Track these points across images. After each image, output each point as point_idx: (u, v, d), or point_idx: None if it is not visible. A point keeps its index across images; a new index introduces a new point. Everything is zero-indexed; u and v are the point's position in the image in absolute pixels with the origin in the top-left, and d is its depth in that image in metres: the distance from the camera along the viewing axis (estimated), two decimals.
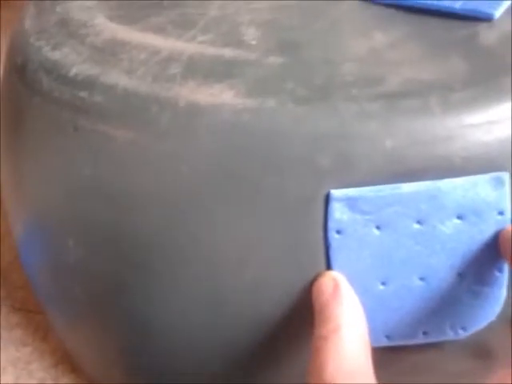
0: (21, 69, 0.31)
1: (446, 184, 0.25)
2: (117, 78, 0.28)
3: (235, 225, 0.26)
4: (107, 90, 0.27)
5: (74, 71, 0.29)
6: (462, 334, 0.28)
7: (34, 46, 0.31)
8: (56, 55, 0.30)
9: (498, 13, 0.29)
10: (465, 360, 0.30)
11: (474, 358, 0.30)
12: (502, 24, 0.29)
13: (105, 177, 0.28)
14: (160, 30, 0.31)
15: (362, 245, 0.26)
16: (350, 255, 0.26)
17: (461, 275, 0.26)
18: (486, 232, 0.25)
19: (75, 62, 0.29)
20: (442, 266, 0.26)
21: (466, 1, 0.30)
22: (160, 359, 0.32)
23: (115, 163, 0.27)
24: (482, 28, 0.29)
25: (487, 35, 0.28)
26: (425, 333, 0.27)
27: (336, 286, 0.25)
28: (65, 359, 0.44)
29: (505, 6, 0.30)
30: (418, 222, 0.25)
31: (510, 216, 0.25)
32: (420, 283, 0.26)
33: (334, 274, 0.26)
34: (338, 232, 0.25)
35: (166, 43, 0.29)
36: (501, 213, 0.25)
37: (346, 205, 0.25)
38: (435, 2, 0.30)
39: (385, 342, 0.28)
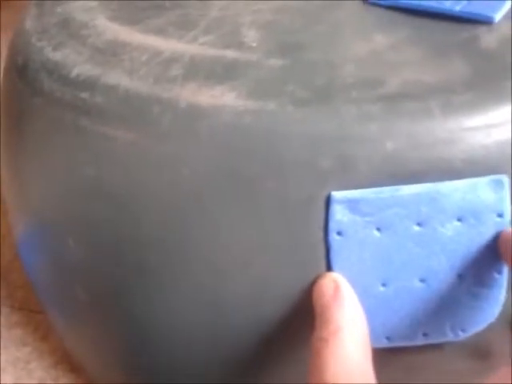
0: (22, 69, 0.31)
1: (446, 186, 0.25)
2: (118, 78, 0.28)
3: (236, 226, 0.26)
4: (108, 90, 0.27)
5: (75, 72, 0.29)
6: (462, 336, 0.28)
7: (36, 47, 0.31)
8: (57, 56, 0.30)
9: (498, 16, 0.29)
10: (464, 361, 0.30)
11: (474, 358, 0.30)
12: (502, 27, 0.29)
13: (106, 177, 0.28)
14: (161, 31, 0.31)
15: (362, 246, 0.26)
16: (350, 257, 0.26)
17: (461, 277, 0.26)
18: (485, 234, 0.26)
19: (76, 62, 0.29)
20: (442, 267, 0.26)
21: (467, 4, 0.30)
22: (160, 359, 0.32)
23: (116, 164, 0.27)
24: (482, 31, 0.29)
25: (487, 38, 0.29)
26: (425, 334, 0.28)
27: (337, 288, 0.25)
28: (64, 359, 0.44)
29: (505, 9, 0.30)
30: (418, 224, 0.25)
31: (509, 218, 0.25)
32: (420, 285, 0.26)
33: (335, 275, 0.26)
34: (339, 233, 0.25)
35: (168, 44, 0.29)
36: (500, 215, 0.25)
37: (346, 206, 0.25)
38: (435, 5, 0.30)
39: (385, 343, 0.28)
